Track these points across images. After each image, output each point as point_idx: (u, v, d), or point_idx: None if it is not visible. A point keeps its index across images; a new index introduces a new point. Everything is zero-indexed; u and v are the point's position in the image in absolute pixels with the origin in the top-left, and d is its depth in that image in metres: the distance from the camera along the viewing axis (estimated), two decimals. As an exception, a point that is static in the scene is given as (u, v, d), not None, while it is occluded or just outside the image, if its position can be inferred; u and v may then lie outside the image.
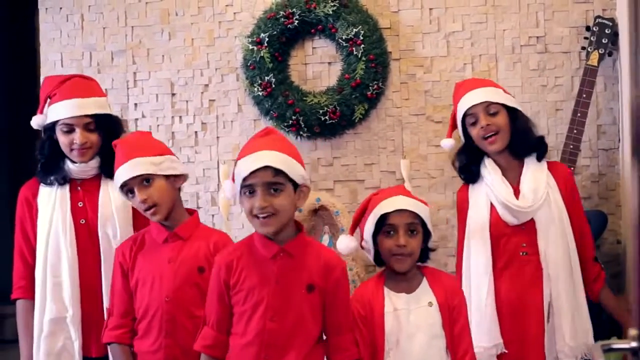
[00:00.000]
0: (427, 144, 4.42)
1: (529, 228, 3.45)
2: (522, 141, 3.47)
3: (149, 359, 3.16)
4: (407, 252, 3.01)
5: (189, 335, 3.11)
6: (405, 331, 3.02)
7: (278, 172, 2.81)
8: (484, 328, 3.37)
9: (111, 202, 3.52)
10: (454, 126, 3.64)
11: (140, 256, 3.24)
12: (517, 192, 3.46)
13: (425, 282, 3.08)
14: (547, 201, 3.43)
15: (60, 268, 3.47)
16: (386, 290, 3.08)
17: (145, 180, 3.20)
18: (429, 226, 3.10)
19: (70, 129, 3.48)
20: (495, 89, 3.52)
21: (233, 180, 2.97)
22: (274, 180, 2.81)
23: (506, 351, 3.42)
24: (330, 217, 4.33)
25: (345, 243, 3.22)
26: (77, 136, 3.46)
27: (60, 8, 4.81)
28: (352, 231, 3.25)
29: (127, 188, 3.22)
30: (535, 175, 3.47)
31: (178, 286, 3.14)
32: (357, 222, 3.21)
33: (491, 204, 3.51)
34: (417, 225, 3.05)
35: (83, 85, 3.61)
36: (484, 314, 3.41)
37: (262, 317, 2.85)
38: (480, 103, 3.46)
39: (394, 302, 3.05)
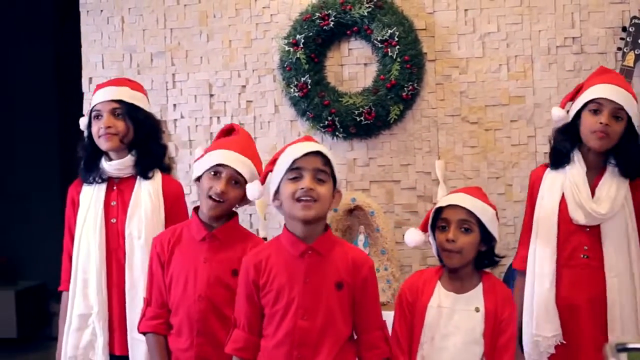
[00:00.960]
0: (463, 144, 4.43)
1: (592, 232, 3.40)
2: (622, 154, 3.40)
3: (181, 356, 3.20)
4: (455, 248, 3.02)
5: (220, 334, 3.15)
6: (443, 329, 3.04)
7: (326, 162, 2.87)
8: (545, 317, 3.35)
9: (141, 203, 3.55)
10: (572, 99, 3.52)
11: (177, 251, 3.26)
12: (592, 193, 3.40)
13: (479, 288, 3.08)
14: (622, 213, 3.38)
15: (89, 265, 3.53)
16: (438, 284, 3.11)
17: (237, 181, 3.23)
18: (491, 229, 3.09)
19: (98, 114, 3.54)
20: (632, 98, 3.40)
21: (262, 181, 3.02)
22: (322, 168, 2.86)
23: (564, 342, 3.39)
24: (365, 217, 4.36)
25: (412, 236, 3.24)
26: (103, 120, 3.52)
27: (101, 11, 4.88)
28: (422, 227, 3.26)
29: (215, 170, 3.22)
30: (618, 185, 3.40)
31: (211, 286, 3.16)
32: (428, 219, 3.22)
33: (562, 197, 3.45)
34: (472, 224, 3.05)
35: (120, 79, 3.70)
36: (545, 304, 3.39)
37: (293, 317, 2.87)
38: (614, 102, 3.35)
39: (441, 298, 3.07)
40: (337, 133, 4.47)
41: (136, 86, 3.68)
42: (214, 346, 3.16)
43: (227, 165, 3.20)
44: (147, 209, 3.53)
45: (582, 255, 3.39)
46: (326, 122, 4.45)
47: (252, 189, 3.10)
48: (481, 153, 4.40)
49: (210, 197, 3.18)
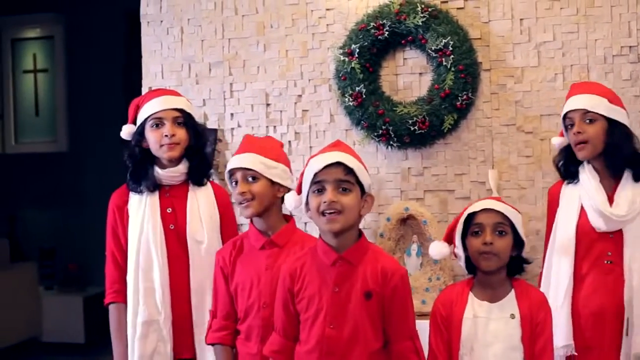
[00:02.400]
0: (518, 154, 4.41)
1: (616, 237, 3.46)
2: (612, 154, 3.47)
3: None
4: (493, 251, 3.05)
5: None
6: (482, 339, 3.05)
7: (349, 171, 2.91)
8: (556, 328, 3.34)
9: (199, 208, 3.63)
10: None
11: (239, 262, 3.37)
12: (610, 200, 3.46)
13: (512, 294, 3.10)
14: None
15: (152, 273, 3.60)
16: (470, 295, 3.13)
17: (252, 177, 3.30)
18: (521, 233, 3.13)
19: (160, 122, 3.61)
20: (599, 98, 3.52)
21: (298, 191, 3.05)
22: (344, 179, 2.90)
23: (575, 354, 3.42)
24: (418, 226, 4.36)
25: (437, 249, 3.28)
26: (167, 129, 3.60)
27: (161, 21, 4.96)
28: (446, 239, 3.28)
29: (233, 178, 3.35)
30: (634, 189, 3.46)
31: (274, 293, 3.22)
32: (451, 231, 3.23)
33: (581, 207, 3.52)
34: (506, 227, 3.08)
35: (170, 90, 3.80)
36: (558, 314, 3.41)
37: (322, 324, 2.93)
38: (578, 109, 3.50)
39: (475, 308, 3.09)
40: (391, 142, 4.48)
41: (186, 99, 3.78)
42: None
43: (235, 169, 3.33)
44: (205, 214, 3.64)
45: (606, 261, 3.46)
46: (380, 132, 4.46)
47: (288, 199, 3.15)
48: (536, 163, 4.37)
49: (240, 202, 3.29)
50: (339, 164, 2.92)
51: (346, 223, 2.91)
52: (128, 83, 7.99)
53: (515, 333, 3.04)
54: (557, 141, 3.72)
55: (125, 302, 3.67)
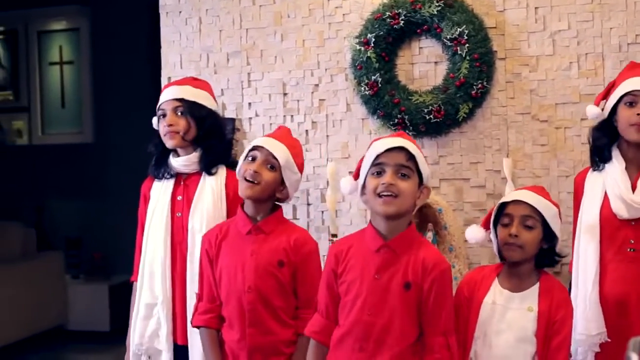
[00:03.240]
0: (533, 143, 4.41)
1: (638, 225, 3.42)
2: None
3: (234, 347, 3.29)
4: (518, 243, 3.03)
5: (270, 324, 3.24)
6: (495, 326, 3.05)
7: (410, 157, 2.91)
8: (588, 316, 3.36)
9: (204, 198, 3.66)
10: (605, 96, 3.57)
11: (225, 245, 3.37)
12: (634, 187, 3.42)
13: (536, 287, 3.07)
14: None
15: (155, 257, 3.66)
16: (495, 281, 3.12)
17: (272, 166, 3.32)
18: (553, 227, 3.10)
19: (163, 113, 3.67)
20: None
21: (355, 177, 3.06)
22: (405, 164, 2.89)
23: (609, 340, 3.39)
24: (434, 214, 4.37)
25: (473, 232, 3.27)
26: (167, 119, 3.65)
27: (180, 12, 5.01)
28: (484, 224, 3.27)
29: (253, 153, 3.34)
30: None
31: (259, 277, 3.25)
32: (490, 216, 3.23)
33: (605, 194, 3.48)
34: (535, 221, 3.06)
35: (185, 79, 3.82)
36: (589, 303, 3.40)
37: (359, 310, 2.91)
38: None
39: (496, 295, 3.09)
40: (406, 131, 4.48)
41: (200, 84, 3.79)
42: (265, 336, 3.25)
43: (262, 148, 3.31)
44: (209, 204, 3.64)
45: (628, 249, 3.39)
46: (396, 120, 4.49)
47: (344, 183, 3.15)
48: (551, 151, 4.38)
49: (245, 179, 3.28)
50: (401, 148, 2.91)
51: (401, 207, 2.88)
52: (153, 74, 8.04)
53: (529, 326, 3.01)
54: (594, 110, 3.59)
55: None
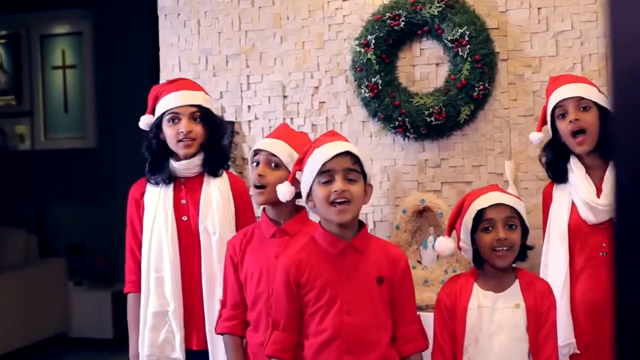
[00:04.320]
0: (536, 145, 4.34)
1: (607, 227, 3.41)
2: (608, 144, 3.40)
3: (258, 350, 3.27)
4: (507, 245, 3.03)
5: None
6: (487, 330, 3.05)
7: (356, 160, 2.92)
8: (557, 325, 3.33)
9: (212, 199, 3.63)
10: (544, 120, 3.63)
11: (249, 250, 3.37)
12: (599, 192, 3.42)
13: (516, 284, 3.10)
14: None
15: (163, 264, 3.62)
16: (475, 286, 3.13)
17: (275, 164, 3.30)
18: (526, 221, 3.13)
19: (176, 118, 3.62)
20: (589, 87, 3.50)
21: (291, 181, 3.04)
22: (352, 168, 2.91)
23: (578, 352, 3.37)
24: (435, 218, 4.32)
25: (444, 244, 3.26)
26: (183, 124, 3.61)
27: (179, 14, 4.96)
28: (448, 232, 3.27)
29: (256, 158, 3.35)
30: None
31: None
32: (453, 223, 3.23)
33: (572, 203, 3.48)
34: (515, 220, 3.09)
35: (190, 82, 3.83)
36: (558, 312, 3.36)
37: (338, 313, 2.92)
38: (572, 97, 3.45)
39: (480, 299, 3.09)
40: (407, 134, 4.44)
41: (204, 89, 3.78)
42: None
43: (261, 150, 3.29)
44: (220, 205, 3.62)
45: (601, 253, 3.42)
46: (397, 123, 4.42)
47: (282, 190, 3.14)
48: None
49: (255, 185, 3.27)
50: (347, 153, 2.91)
51: (355, 213, 2.94)
52: (156, 79, 8.00)
53: (520, 323, 3.04)
54: (536, 136, 3.70)
55: (140, 292, 3.70)
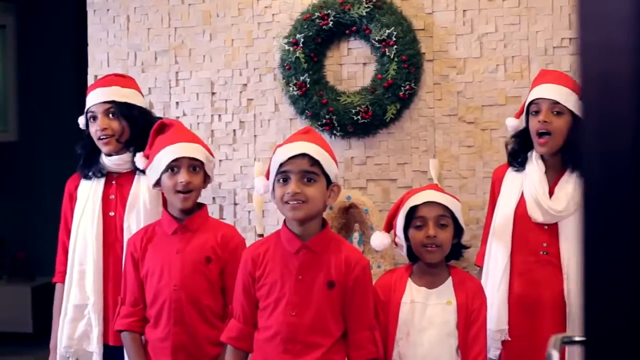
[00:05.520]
0: (459, 144, 4.45)
1: (551, 230, 3.48)
2: (572, 150, 3.47)
3: (158, 346, 3.28)
4: (437, 243, 3.11)
5: (196, 323, 3.24)
6: (418, 324, 3.10)
7: (314, 162, 2.93)
8: (492, 312, 3.39)
9: (140, 196, 3.64)
10: (523, 109, 3.67)
11: (150, 247, 3.36)
12: (551, 193, 3.49)
13: (449, 281, 3.16)
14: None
15: (86, 257, 3.61)
16: (409, 281, 3.18)
17: (195, 167, 3.32)
18: (461, 222, 3.20)
19: (93, 116, 3.63)
20: (569, 92, 3.50)
21: (267, 176, 3.07)
22: (309, 169, 2.92)
23: (509, 339, 3.45)
24: (360, 215, 4.39)
25: (379, 239, 3.32)
26: (99, 122, 3.61)
27: (108, 10, 4.95)
28: (386, 228, 3.32)
29: (174, 165, 3.32)
30: (576, 184, 3.44)
31: (186, 275, 3.25)
32: (391, 219, 3.28)
33: (522, 195, 3.54)
34: (447, 219, 3.15)
35: (110, 78, 3.78)
36: (495, 299, 3.45)
37: (283, 312, 2.94)
38: (547, 99, 3.49)
39: (413, 294, 3.14)
40: (334, 131, 4.51)
41: (127, 82, 3.76)
42: (190, 335, 3.23)
43: (181, 157, 3.29)
44: (146, 203, 3.62)
45: (541, 252, 3.46)
46: (324, 121, 4.49)
47: (259, 185, 3.15)
48: (477, 152, 4.42)
49: (178, 191, 3.27)
50: (304, 155, 2.93)
51: (310, 212, 2.93)
52: (79, 73, 7.94)
53: (451, 319, 3.10)
54: (512, 122, 3.73)
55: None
